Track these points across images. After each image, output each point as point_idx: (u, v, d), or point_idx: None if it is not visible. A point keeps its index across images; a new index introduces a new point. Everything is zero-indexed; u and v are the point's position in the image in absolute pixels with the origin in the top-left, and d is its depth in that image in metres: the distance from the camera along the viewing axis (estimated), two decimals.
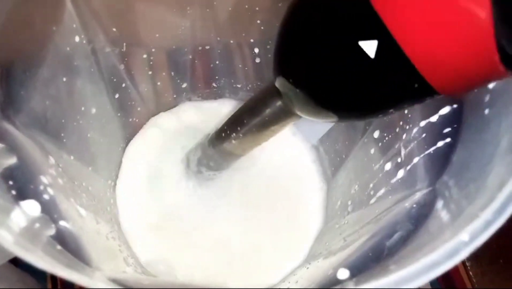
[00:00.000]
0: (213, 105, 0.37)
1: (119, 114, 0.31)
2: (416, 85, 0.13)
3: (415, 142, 0.21)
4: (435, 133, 0.20)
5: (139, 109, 0.33)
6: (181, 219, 0.31)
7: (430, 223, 0.16)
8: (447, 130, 0.19)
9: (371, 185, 0.26)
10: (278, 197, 0.33)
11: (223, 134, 0.26)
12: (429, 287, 0.32)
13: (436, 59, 0.12)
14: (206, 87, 0.37)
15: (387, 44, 0.12)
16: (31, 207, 0.15)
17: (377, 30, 0.12)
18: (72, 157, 0.25)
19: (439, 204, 0.17)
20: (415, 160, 0.21)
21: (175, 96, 0.36)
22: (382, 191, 0.24)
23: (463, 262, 0.29)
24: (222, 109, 0.36)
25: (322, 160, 0.35)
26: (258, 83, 0.36)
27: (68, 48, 0.23)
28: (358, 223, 0.25)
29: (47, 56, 0.21)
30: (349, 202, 0.29)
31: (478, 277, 0.27)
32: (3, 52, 0.19)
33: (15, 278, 0.24)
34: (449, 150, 0.19)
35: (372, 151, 0.26)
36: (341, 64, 0.14)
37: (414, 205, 0.18)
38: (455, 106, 0.19)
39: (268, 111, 0.21)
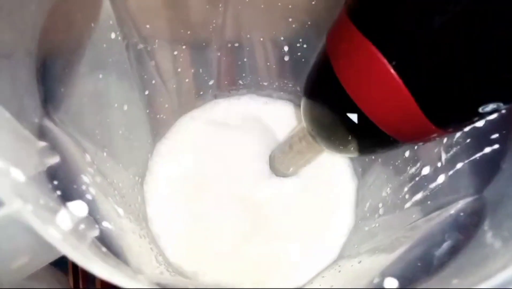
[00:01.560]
0: (241, 101, 0.36)
1: (147, 111, 0.31)
2: (390, 139, 0.17)
3: (458, 147, 0.21)
4: (481, 138, 0.19)
5: (166, 106, 0.33)
6: (209, 218, 0.31)
7: (482, 233, 0.16)
8: (495, 136, 0.19)
9: (405, 189, 0.25)
10: (308, 194, 0.33)
11: (275, 159, 0.32)
12: None
13: (394, 126, 0.17)
14: (232, 84, 0.36)
15: (364, 117, 0.17)
16: (78, 208, 0.15)
17: (355, 109, 0.17)
18: (105, 154, 0.24)
19: (490, 213, 0.16)
20: (459, 165, 0.20)
21: (201, 93, 0.35)
22: (419, 196, 0.23)
23: None
24: (251, 105, 0.36)
25: (351, 159, 0.34)
26: (285, 81, 0.35)
27: (104, 45, 0.23)
28: (393, 227, 0.24)
29: (85, 52, 0.21)
30: (380, 205, 0.28)
31: None
32: (44, 49, 0.19)
33: (51, 277, 0.24)
34: (497, 157, 0.18)
35: (407, 154, 0.26)
36: (340, 117, 0.19)
37: (461, 213, 0.17)
38: (503, 111, 0.19)
39: (304, 144, 0.27)
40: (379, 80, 0.15)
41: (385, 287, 0.15)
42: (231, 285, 0.29)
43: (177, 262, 0.30)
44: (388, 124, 0.16)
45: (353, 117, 0.17)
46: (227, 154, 0.34)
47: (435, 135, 0.17)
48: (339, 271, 0.25)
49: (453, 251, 0.16)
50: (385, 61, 0.14)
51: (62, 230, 0.12)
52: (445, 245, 0.16)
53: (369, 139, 0.19)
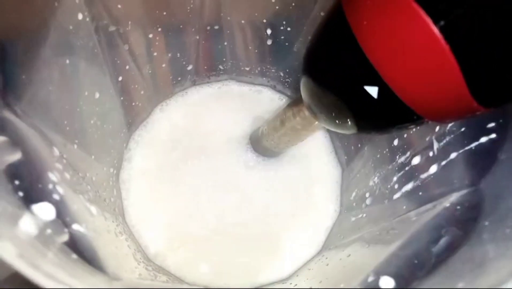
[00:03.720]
0: (221, 89, 0.35)
1: (122, 98, 0.29)
2: (414, 117, 0.15)
3: (452, 136, 0.20)
4: (477, 127, 0.18)
5: (142, 92, 0.31)
6: (189, 208, 0.30)
7: (482, 228, 0.15)
8: (491, 125, 0.18)
9: (394, 178, 0.24)
10: (290, 182, 0.32)
11: (264, 135, 0.29)
12: None
13: (426, 102, 0.14)
14: (212, 69, 0.35)
15: (386, 90, 0.14)
16: (44, 211, 0.13)
17: (377, 81, 0.14)
18: (75, 146, 0.23)
19: (490, 207, 0.15)
20: (452, 155, 0.19)
21: (179, 78, 0.34)
22: (409, 186, 0.22)
23: None
24: (232, 91, 0.34)
25: (336, 147, 0.33)
26: (268, 66, 0.34)
27: (70, 27, 0.21)
28: (381, 218, 0.24)
29: (49, 35, 0.19)
30: (367, 195, 0.27)
31: None
32: (2, 31, 0.16)
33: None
34: (494, 147, 0.17)
35: (396, 142, 0.25)
36: (355, 92, 0.16)
37: (458, 207, 0.17)
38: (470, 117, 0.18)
39: (298, 119, 0.24)
40: (417, 45, 0.12)
41: (381, 287, 0.15)
42: (212, 282, 0.28)
43: (157, 257, 0.29)
44: (419, 99, 0.14)
45: (372, 91, 0.14)
46: (206, 142, 0.32)
47: (469, 114, 0.14)
48: (327, 265, 0.25)
49: (452, 248, 0.15)
50: (428, 20, 0.12)
51: (20, 240, 0.11)
52: (443, 241, 0.15)
53: (386, 116, 0.16)
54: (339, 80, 0.17)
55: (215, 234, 0.30)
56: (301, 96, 0.22)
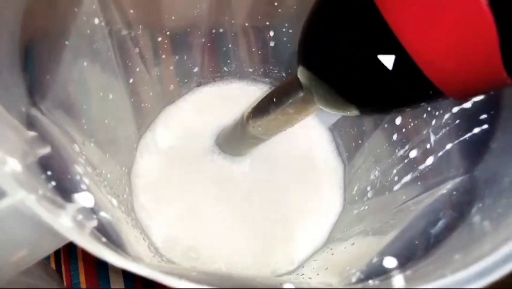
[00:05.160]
0: (228, 88, 0.36)
1: (132, 100, 0.30)
2: (430, 92, 0.14)
3: (447, 128, 0.21)
4: (470, 119, 0.20)
5: (150, 94, 0.33)
6: (197, 208, 0.31)
7: (476, 210, 0.16)
8: (483, 116, 0.19)
9: (394, 171, 0.26)
10: (295, 180, 0.33)
11: (249, 121, 0.26)
12: None
13: (447, 73, 0.12)
14: (217, 71, 0.36)
15: (403, 59, 0.12)
16: (84, 199, 0.15)
17: (394, 47, 0.12)
18: (92, 144, 0.24)
19: (483, 191, 0.17)
20: (448, 146, 0.21)
21: (186, 80, 0.35)
22: (408, 178, 0.24)
23: None
24: (236, 91, 0.36)
25: (337, 144, 0.34)
26: (270, 67, 0.35)
27: (88, 31, 0.22)
28: (381, 210, 0.25)
29: (70, 38, 0.20)
30: (368, 188, 0.29)
31: None
32: (28, 34, 0.18)
33: (42, 271, 0.24)
34: (486, 136, 0.19)
35: (395, 137, 0.26)
36: (360, 65, 0.15)
37: (454, 192, 0.18)
38: (491, 92, 0.19)
39: (290, 101, 0.22)
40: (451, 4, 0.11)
41: (385, 266, 0.16)
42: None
43: (167, 254, 0.30)
44: (442, 68, 0.12)
45: (387, 61, 0.13)
46: (212, 142, 0.34)
47: (494, 88, 0.13)
48: (332, 254, 0.26)
49: (449, 228, 0.16)
50: None
51: (68, 220, 0.12)
52: (441, 223, 0.17)
53: (396, 93, 0.15)
54: (348, 53, 0.15)
55: (223, 231, 0.31)
56: (293, 78, 0.20)
